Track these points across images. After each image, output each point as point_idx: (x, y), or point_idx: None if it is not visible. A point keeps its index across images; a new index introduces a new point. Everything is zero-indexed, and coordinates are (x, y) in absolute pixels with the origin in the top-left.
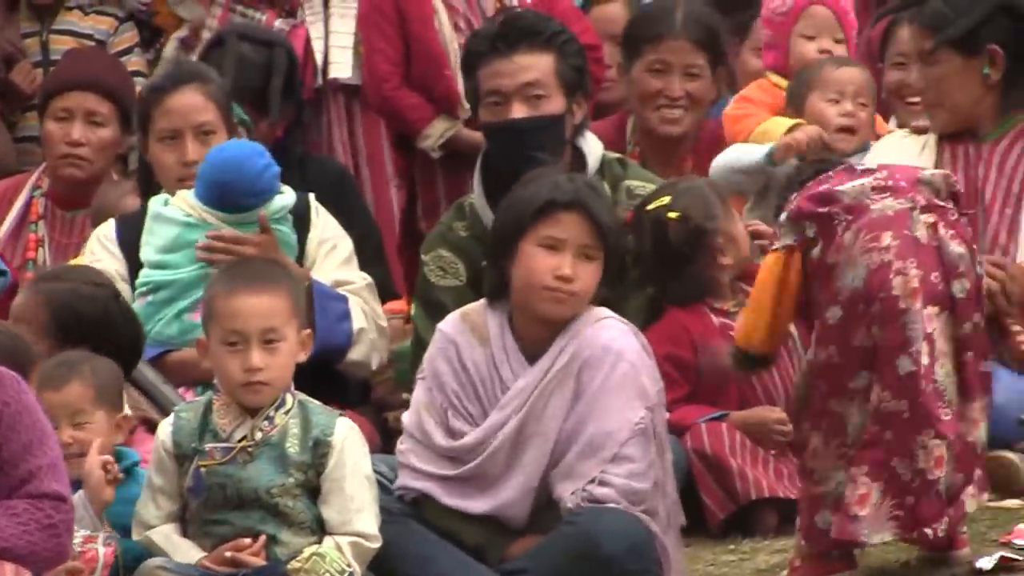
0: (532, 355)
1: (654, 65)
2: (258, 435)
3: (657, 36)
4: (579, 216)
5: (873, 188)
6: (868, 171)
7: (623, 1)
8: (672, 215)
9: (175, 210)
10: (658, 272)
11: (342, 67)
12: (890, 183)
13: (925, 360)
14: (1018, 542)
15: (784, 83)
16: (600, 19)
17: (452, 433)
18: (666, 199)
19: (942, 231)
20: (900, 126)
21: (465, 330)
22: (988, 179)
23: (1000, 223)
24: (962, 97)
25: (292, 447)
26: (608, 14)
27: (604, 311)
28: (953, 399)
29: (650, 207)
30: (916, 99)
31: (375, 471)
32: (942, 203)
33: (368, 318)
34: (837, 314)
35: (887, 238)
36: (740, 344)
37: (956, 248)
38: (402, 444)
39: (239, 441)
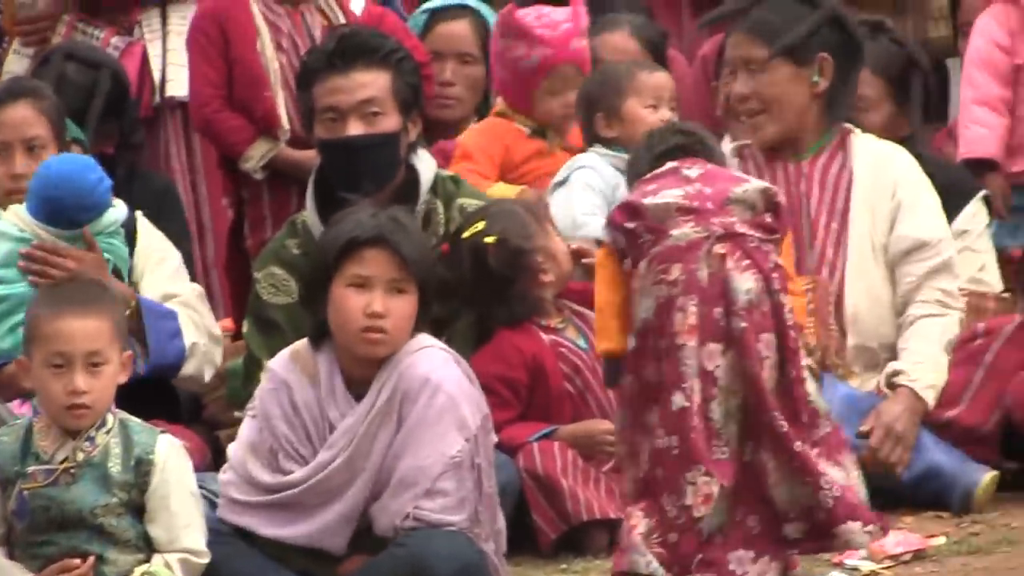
0: (359, 393)
1: None
2: (80, 456)
3: None
4: (383, 251)
5: (678, 209)
6: (686, 180)
7: (468, 20)
8: (489, 239)
9: (8, 225)
10: (481, 297)
11: (179, 85)
12: (696, 204)
13: (697, 397)
14: (849, 563)
15: (529, 123)
16: (444, 36)
17: (282, 472)
18: (481, 224)
19: (731, 264)
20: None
21: (295, 369)
22: (812, 195)
23: (827, 239)
24: (790, 105)
25: (114, 467)
26: (453, 31)
27: (425, 339)
28: (734, 437)
29: (466, 234)
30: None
31: (206, 489)
32: (744, 230)
33: (200, 329)
34: (632, 344)
35: (676, 271)
36: (602, 352)
37: (744, 283)
38: (224, 475)
39: (61, 463)
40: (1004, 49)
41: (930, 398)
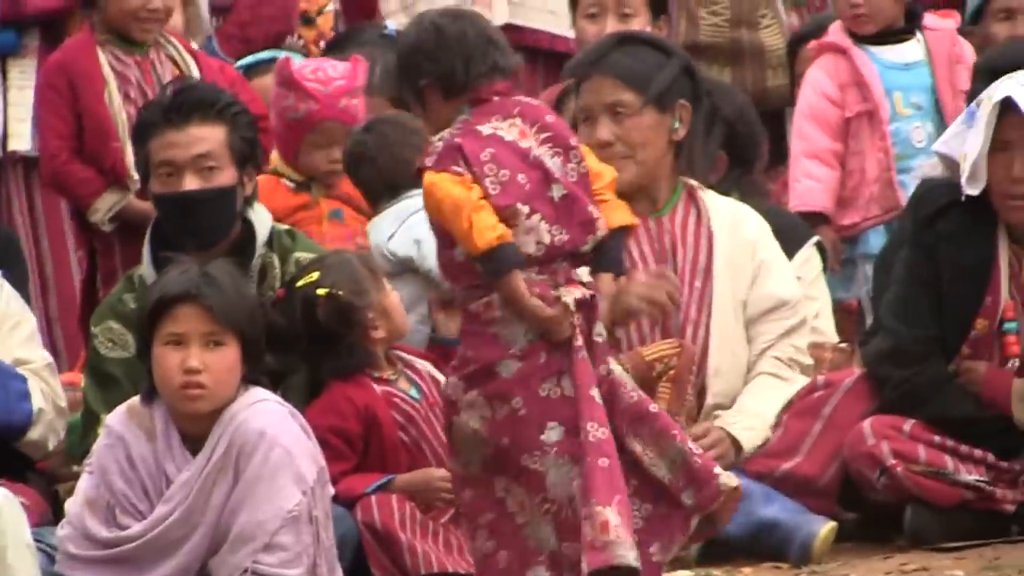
0: (196, 447)
1: None
2: None
3: None
4: (194, 307)
5: None
6: None
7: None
8: (320, 292)
9: None
10: (312, 348)
11: (21, 139)
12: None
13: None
14: None
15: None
16: (259, 90)
17: (119, 527)
18: (315, 275)
19: None
20: None
21: (132, 425)
22: (677, 252)
23: (691, 297)
24: (653, 152)
25: None
26: (266, 85)
27: (260, 393)
28: None
29: (299, 283)
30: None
31: (44, 543)
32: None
33: (47, 399)
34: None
35: None
36: (487, 246)
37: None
38: (62, 530)
39: None
40: (834, 102)
41: (744, 439)
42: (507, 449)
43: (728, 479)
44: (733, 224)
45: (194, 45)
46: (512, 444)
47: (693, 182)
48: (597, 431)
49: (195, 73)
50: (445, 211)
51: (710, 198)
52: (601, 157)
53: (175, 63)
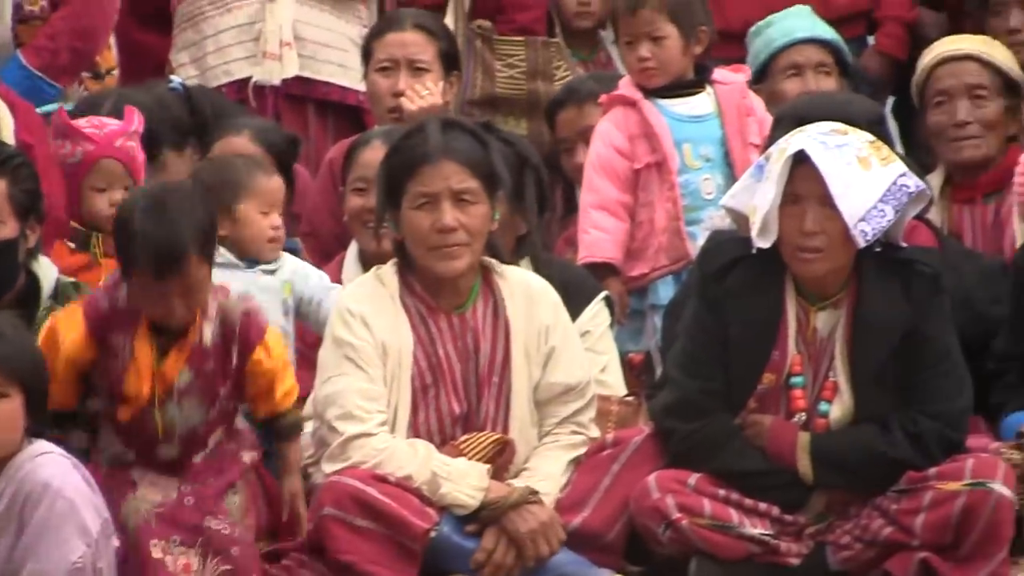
0: None
1: None
2: None
3: None
4: None
5: None
6: None
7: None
8: None
9: None
10: None
11: None
12: None
13: None
14: None
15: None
16: None
17: None
18: None
19: None
20: (362, 251)
21: None
22: (480, 349)
23: (490, 394)
24: (482, 239)
25: None
26: None
27: (45, 445)
28: None
29: None
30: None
31: None
32: None
33: None
34: None
35: None
36: None
37: None
38: None
39: None
40: (624, 153)
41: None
42: None
43: None
44: (528, 306)
45: None
46: None
47: (488, 262)
48: None
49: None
50: None
51: (504, 280)
52: (449, 242)
53: None
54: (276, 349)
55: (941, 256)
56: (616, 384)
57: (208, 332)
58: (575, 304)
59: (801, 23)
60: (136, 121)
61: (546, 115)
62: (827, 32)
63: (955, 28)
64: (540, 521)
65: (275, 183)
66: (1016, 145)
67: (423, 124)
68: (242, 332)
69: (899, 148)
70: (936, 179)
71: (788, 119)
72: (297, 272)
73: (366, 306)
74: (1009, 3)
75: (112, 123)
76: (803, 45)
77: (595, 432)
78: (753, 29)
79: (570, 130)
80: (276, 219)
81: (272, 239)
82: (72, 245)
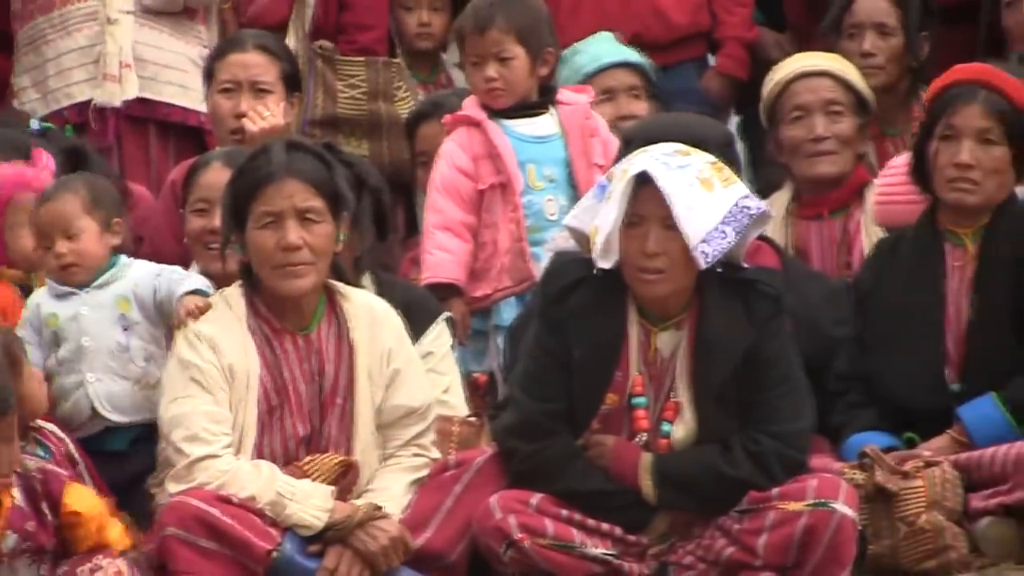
0: None
1: None
2: None
3: None
4: None
5: None
6: None
7: None
8: None
9: None
10: None
11: None
12: None
13: None
14: None
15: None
16: None
17: None
18: None
19: None
20: (203, 272)
21: None
22: (325, 371)
23: (333, 416)
24: (328, 259)
25: None
26: None
27: None
28: None
29: None
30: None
31: None
32: None
33: None
34: None
35: None
36: None
37: None
38: None
39: None
40: (467, 174)
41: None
42: None
43: None
44: (371, 328)
45: None
46: None
47: (332, 284)
48: None
49: None
50: None
51: (348, 302)
52: (293, 261)
53: None
54: (87, 499)
55: (784, 277)
56: (458, 405)
57: (17, 494)
58: (417, 325)
59: (608, 48)
60: (45, 156)
61: (407, 127)
62: (634, 56)
63: (802, 49)
64: (390, 536)
65: (49, 212)
66: (863, 164)
67: (267, 146)
68: (43, 487)
69: (747, 168)
70: (784, 196)
71: (638, 141)
72: (141, 278)
73: (213, 328)
74: (863, 26)
75: (8, 165)
76: (614, 69)
77: (436, 454)
78: (560, 57)
79: (430, 144)
80: (60, 246)
81: (64, 266)
82: (16, 289)
